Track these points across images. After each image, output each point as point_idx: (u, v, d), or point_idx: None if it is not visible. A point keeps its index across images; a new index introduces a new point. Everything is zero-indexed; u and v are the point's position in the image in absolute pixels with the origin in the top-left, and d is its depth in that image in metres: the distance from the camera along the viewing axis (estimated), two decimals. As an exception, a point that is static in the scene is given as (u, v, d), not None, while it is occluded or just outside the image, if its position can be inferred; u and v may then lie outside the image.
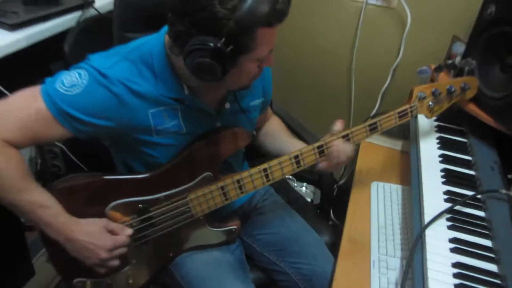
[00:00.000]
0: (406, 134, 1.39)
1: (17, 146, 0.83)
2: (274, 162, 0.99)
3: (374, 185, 1.24)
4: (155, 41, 0.90)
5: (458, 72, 1.19)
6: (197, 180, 0.99)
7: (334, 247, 1.18)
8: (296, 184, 1.87)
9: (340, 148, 1.00)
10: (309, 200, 1.65)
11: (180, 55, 0.82)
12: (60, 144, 1.48)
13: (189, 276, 1.04)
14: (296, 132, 1.45)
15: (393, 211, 1.14)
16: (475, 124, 1.25)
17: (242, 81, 0.91)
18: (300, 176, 1.91)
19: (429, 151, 1.20)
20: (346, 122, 1.88)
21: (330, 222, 1.81)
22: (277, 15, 0.77)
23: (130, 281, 1.04)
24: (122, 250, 0.95)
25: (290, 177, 1.88)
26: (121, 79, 0.85)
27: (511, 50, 1.12)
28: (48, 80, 0.86)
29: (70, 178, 0.94)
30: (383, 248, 1.03)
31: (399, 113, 1.08)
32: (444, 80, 1.17)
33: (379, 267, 0.99)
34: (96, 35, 1.41)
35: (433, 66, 1.35)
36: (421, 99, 1.10)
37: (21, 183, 0.83)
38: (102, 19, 1.47)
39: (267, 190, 1.29)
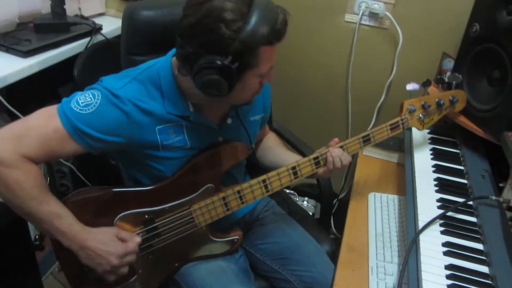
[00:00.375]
0: (402, 147, 1.44)
1: (36, 161, 0.89)
2: (272, 173, 1.04)
3: (371, 195, 1.29)
4: (163, 63, 0.98)
5: (447, 86, 1.25)
6: (199, 191, 1.04)
7: (334, 257, 1.21)
8: (297, 199, 1.92)
9: (334, 154, 1.05)
10: (310, 214, 1.69)
11: (188, 75, 0.90)
12: (68, 164, 1.53)
13: (195, 285, 1.08)
14: (295, 146, 1.50)
15: (390, 219, 1.19)
16: (467, 136, 1.31)
17: (245, 97, 0.98)
18: (301, 191, 1.95)
19: (423, 161, 1.25)
20: (345, 136, 1.93)
21: (332, 236, 1.84)
22: (277, 35, 0.86)
23: (137, 291, 1.07)
24: (132, 257, 0.99)
25: (292, 191, 1.93)
26: (131, 99, 0.92)
27: (497, 65, 1.18)
28: (64, 100, 0.92)
29: (82, 192, 0.99)
30: (380, 254, 1.07)
31: (390, 125, 1.13)
32: (434, 93, 1.23)
33: (377, 273, 1.03)
34: (103, 59, 1.48)
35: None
36: (411, 111, 1.15)
37: (39, 195, 0.89)
38: (109, 44, 1.55)
39: (268, 202, 1.33)
